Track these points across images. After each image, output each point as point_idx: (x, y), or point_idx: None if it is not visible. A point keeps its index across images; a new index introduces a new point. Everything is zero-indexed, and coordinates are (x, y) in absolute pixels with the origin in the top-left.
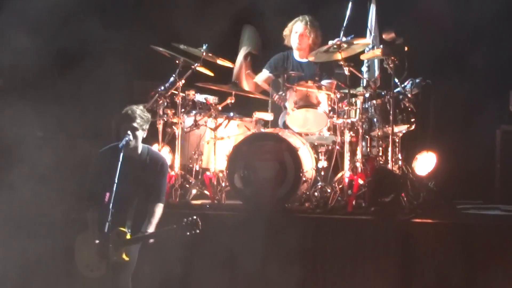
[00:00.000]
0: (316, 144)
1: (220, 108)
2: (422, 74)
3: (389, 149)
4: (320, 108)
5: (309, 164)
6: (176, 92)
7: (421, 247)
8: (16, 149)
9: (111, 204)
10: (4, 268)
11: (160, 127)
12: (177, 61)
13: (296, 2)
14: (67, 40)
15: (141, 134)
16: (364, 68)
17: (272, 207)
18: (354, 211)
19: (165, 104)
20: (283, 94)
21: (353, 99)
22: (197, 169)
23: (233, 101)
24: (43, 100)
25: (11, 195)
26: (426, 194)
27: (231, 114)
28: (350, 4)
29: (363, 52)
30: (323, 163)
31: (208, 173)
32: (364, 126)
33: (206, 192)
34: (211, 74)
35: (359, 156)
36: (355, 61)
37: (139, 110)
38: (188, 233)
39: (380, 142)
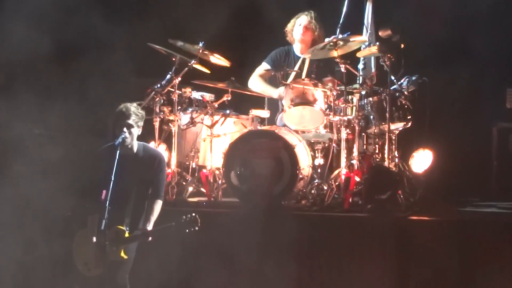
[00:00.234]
0: (312, 141)
1: (216, 105)
2: (419, 71)
3: (386, 146)
4: (316, 105)
5: (306, 161)
6: (173, 90)
7: (417, 244)
8: (13, 146)
9: (107, 202)
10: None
11: (156, 124)
12: (173, 59)
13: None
14: (63, 36)
15: (136, 131)
16: (361, 66)
17: (268, 205)
18: (350, 208)
19: (162, 101)
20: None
21: (350, 97)
22: (194, 166)
23: (229, 98)
24: (38, 96)
25: (8, 192)
26: (422, 191)
27: (228, 111)
28: (346, 2)
29: (359, 49)
30: (319, 161)
31: (204, 170)
32: (360, 123)
33: (202, 189)
34: (208, 71)
35: (355, 153)
36: (351, 58)
37: (133, 107)
38: (187, 230)
39: (377, 139)
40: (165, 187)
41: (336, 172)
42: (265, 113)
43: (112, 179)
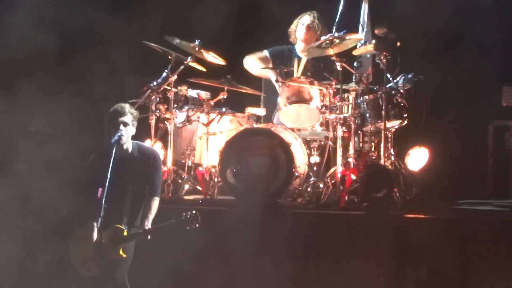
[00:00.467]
0: (308, 139)
1: (212, 103)
2: (415, 69)
3: (382, 144)
4: (312, 103)
5: (302, 159)
6: (169, 88)
7: (413, 242)
8: (9, 143)
9: (103, 200)
10: None
11: (152, 122)
12: (169, 57)
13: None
14: (58, 34)
15: (131, 130)
16: (357, 64)
17: (264, 203)
18: (346, 206)
19: (158, 99)
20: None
21: (346, 95)
22: (190, 164)
23: (225, 96)
24: (32, 93)
25: (4, 191)
26: (418, 189)
27: (224, 109)
28: (342, 0)
29: (355, 47)
30: (315, 159)
31: (200, 168)
32: (356, 121)
33: (198, 187)
34: (204, 69)
35: (351, 151)
36: (347, 56)
37: (127, 106)
38: (187, 228)
39: (373, 137)
40: (161, 185)
41: (332, 170)
42: (261, 111)
43: (108, 177)
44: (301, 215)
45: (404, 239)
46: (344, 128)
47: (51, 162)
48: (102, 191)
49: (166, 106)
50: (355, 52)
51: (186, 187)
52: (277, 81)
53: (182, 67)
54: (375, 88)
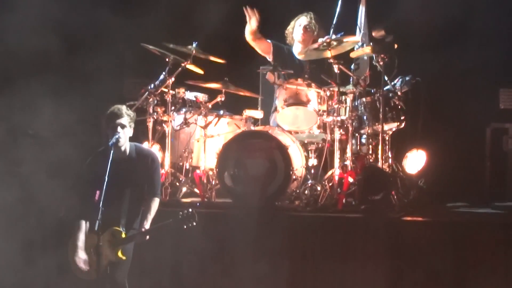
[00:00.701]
0: (306, 142)
1: (210, 106)
2: (412, 72)
3: (379, 147)
4: (310, 106)
5: (299, 162)
6: (166, 90)
7: (411, 245)
8: (7, 146)
9: (101, 203)
10: None
11: (150, 125)
12: (167, 59)
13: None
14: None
15: (128, 132)
16: (354, 66)
17: (262, 205)
18: (344, 209)
19: (155, 102)
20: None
21: (343, 97)
22: (187, 167)
23: (223, 99)
24: (30, 97)
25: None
26: (416, 192)
27: (221, 112)
28: (339, 2)
29: (352, 49)
30: (313, 161)
31: (198, 171)
32: (354, 124)
33: (196, 190)
34: (201, 72)
35: (349, 154)
36: (344, 58)
37: (124, 108)
38: (185, 226)
39: (370, 140)
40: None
41: (329, 172)
42: (258, 114)
43: (106, 179)
44: (299, 217)
45: (402, 242)
46: (341, 130)
47: (49, 165)
48: (99, 193)
49: (163, 109)
50: (352, 55)
51: (184, 189)
52: (274, 83)
53: (179, 69)
54: (372, 91)
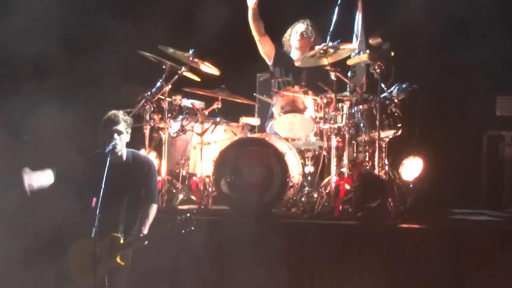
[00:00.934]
0: (302, 149)
1: (206, 113)
2: (409, 79)
3: (376, 154)
4: (306, 113)
5: (296, 169)
6: (163, 97)
7: (407, 252)
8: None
9: (98, 209)
10: None
11: (146, 132)
12: (163, 66)
13: (283, 8)
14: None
15: (125, 138)
16: (351, 73)
17: (258, 212)
18: (340, 216)
19: (152, 109)
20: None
21: (340, 104)
22: (184, 174)
23: (219, 106)
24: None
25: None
26: (412, 199)
27: (218, 119)
28: (336, 10)
29: (349, 57)
30: (309, 168)
31: (194, 178)
32: (350, 131)
33: (193, 197)
34: (198, 79)
35: (345, 161)
36: (341, 66)
37: (121, 113)
38: (183, 231)
39: (367, 147)
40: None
41: (326, 180)
42: (255, 121)
43: (103, 187)
44: (295, 224)
45: (398, 249)
46: (338, 138)
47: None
48: (96, 200)
49: (160, 116)
50: (349, 62)
51: (181, 196)
52: (272, 90)
53: (176, 76)
54: (369, 98)
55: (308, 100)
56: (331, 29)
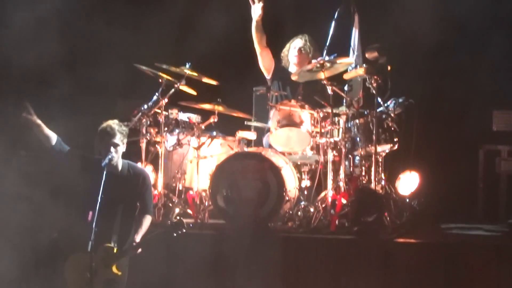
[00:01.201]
0: (299, 163)
1: (203, 127)
2: (405, 93)
3: (372, 168)
4: (303, 127)
5: (292, 183)
6: (159, 111)
7: (404, 266)
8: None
9: (94, 223)
10: None
11: (143, 146)
12: (160, 80)
13: (280, 22)
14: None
15: (121, 149)
16: (347, 87)
17: (255, 227)
18: (337, 230)
19: (148, 123)
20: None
21: (336, 119)
22: (180, 188)
23: (216, 120)
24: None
25: None
26: (409, 213)
27: (214, 133)
28: (333, 24)
29: (346, 71)
30: (306, 183)
31: (191, 192)
32: (347, 145)
33: (189, 211)
34: (194, 93)
35: (342, 175)
36: (338, 80)
37: (117, 125)
38: (174, 234)
39: (363, 161)
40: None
41: (322, 194)
42: (251, 135)
43: (99, 200)
44: (292, 239)
45: (395, 264)
46: (334, 152)
47: (41, 185)
48: (92, 214)
49: (156, 130)
50: (346, 76)
51: (177, 210)
52: (269, 104)
53: (172, 90)
54: (365, 112)
55: (304, 114)
56: (327, 43)
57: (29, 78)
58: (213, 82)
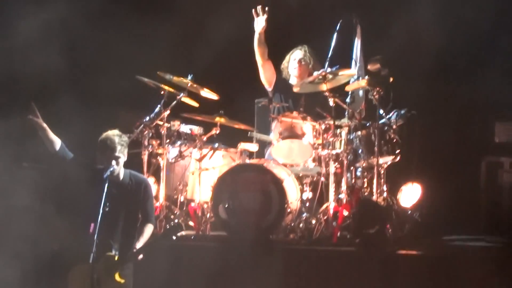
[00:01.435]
0: (301, 175)
1: (205, 138)
2: (408, 105)
3: (374, 180)
4: (305, 139)
5: (294, 195)
6: (161, 123)
7: (406, 278)
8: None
9: (96, 235)
10: None
11: (145, 157)
12: (162, 92)
13: (282, 34)
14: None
15: (123, 160)
16: (349, 99)
17: (256, 238)
18: (339, 242)
19: (150, 134)
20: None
21: (338, 130)
22: (182, 200)
23: (218, 131)
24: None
25: None
26: (411, 225)
27: (216, 145)
28: (334, 35)
29: (348, 83)
30: (308, 194)
31: (193, 204)
32: (349, 157)
33: (190, 223)
34: (196, 104)
35: (344, 187)
36: (340, 92)
37: (117, 137)
38: (174, 237)
39: (365, 173)
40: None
41: (324, 206)
42: (253, 147)
43: (100, 212)
44: (294, 251)
45: (397, 276)
46: (336, 164)
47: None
48: (94, 226)
49: (158, 141)
50: (348, 88)
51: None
52: (271, 116)
53: (174, 102)
54: (367, 124)
55: (306, 126)
56: (329, 55)
57: (31, 90)
58: (214, 97)
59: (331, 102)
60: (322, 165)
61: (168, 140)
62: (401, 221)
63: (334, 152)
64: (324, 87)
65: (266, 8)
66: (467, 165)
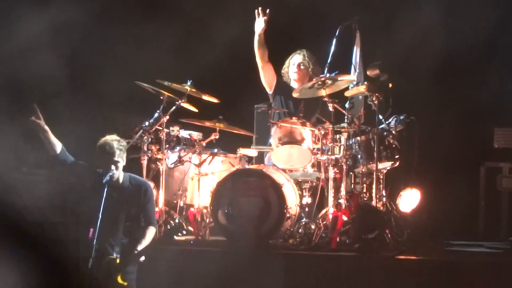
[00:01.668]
0: (300, 180)
1: (204, 144)
2: (407, 110)
3: (373, 185)
4: (304, 144)
5: (293, 200)
6: (161, 128)
7: (405, 284)
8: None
9: (95, 240)
10: None
11: (144, 163)
12: (161, 97)
13: (282, 40)
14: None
15: (122, 164)
16: (349, 105)
17: (256, 244)
18: (338, 247)
19: (150, 140)
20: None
21: (337, 136)
22: (181, 205)
23: (217, 137)
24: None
25: None
26: (410, 231)
27: (215, 150)
28: (334, 41)
29: (347, 88)
30: (307, 200)
31: (192, 209)
32: (348, 162)
33: (190, 228)
34: (196, 110)
35: (343, 192)
36: (339, 97)
37: (115, 142)
38: (175, 237)
39: (364, 178)
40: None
41: (323, 211)
42: (253, 152)
43: (99, 217)
44: (293, 256)
45: (396, 281)
46: (336, 169)
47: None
48: (93, 231)
49: (158, 147)
50: (347, 93)
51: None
52: (270, 122)
53: (174, 107)
54: (367, 129)
55: (305, 131)
56: (329, 61)
57: (30, 94)
58: (214, 100)
59: (330, 107)
60: (322, 170)
61: (167, 146)
62: (400, 227)
63: (333, 157)
64: (323, 92)
65: (267, 10)
66: (466, 170)
